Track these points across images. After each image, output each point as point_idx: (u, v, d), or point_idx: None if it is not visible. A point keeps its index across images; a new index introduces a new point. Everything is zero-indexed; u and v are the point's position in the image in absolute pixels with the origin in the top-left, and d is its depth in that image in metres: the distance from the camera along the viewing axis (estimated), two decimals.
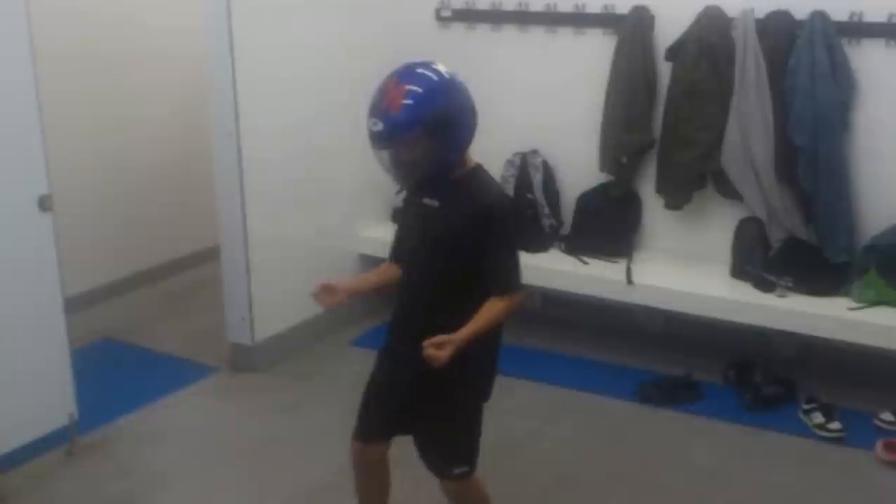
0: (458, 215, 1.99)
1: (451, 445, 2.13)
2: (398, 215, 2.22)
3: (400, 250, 2.19)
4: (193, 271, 4.49)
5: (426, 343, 1.88)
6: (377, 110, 1.93)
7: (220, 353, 3.60)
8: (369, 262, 3.91)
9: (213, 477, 2.87)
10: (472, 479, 2.15)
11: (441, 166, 1.99)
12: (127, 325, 3.96)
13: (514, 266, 2.03)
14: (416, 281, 2.09)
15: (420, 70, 1.96)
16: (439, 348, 1.87)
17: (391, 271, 2.19)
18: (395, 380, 2.13)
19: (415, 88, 1.92)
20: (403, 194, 2.16)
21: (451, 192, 2.01)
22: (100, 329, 3.86)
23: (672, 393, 3.30)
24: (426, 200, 2.04)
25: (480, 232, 1.97)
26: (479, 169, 2.08)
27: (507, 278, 2.01)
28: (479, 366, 2.08)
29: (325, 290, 2.11)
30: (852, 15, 3.18)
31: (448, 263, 2.02)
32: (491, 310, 1.98)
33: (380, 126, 1.91)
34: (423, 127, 1.90)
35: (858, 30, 3.18)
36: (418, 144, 1.92)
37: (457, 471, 2.11)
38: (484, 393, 2.14)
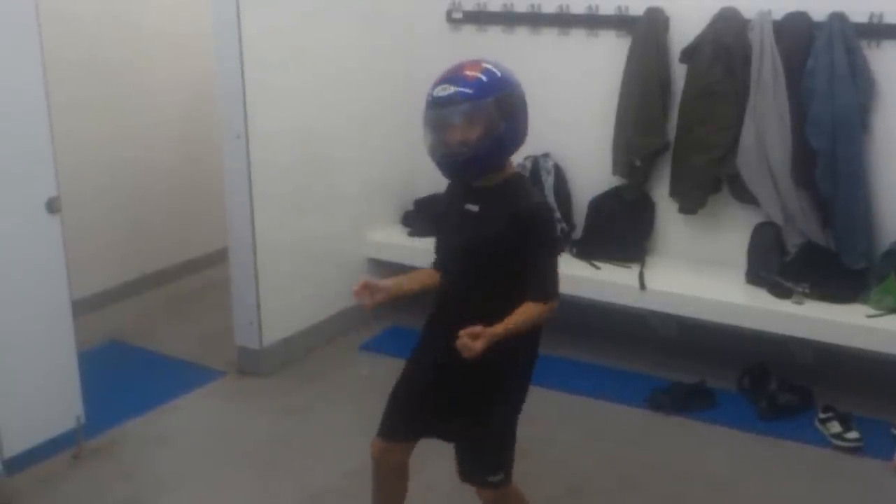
0: (497, 219, 1.98)
1: (485, 452, 2.10)
2: (439, 222, 2.20)
3: (440, 256, 2.16)
4: (201, 274, 4.49)
5: (462, 332, 1.86)
6: (450, 78, 1.94)
7: (228, 357, 3.58)
8: (377, 265, 3.89)
9: (219, 481, 2.85)
10: (508, 487, 2.13)
11: (491, 155, 1.97)
12: (134, 328, 3.95)
13: (552, 272, 2.03)
14: (455, 285, 2.07)
15: (494, 61, 2.01)
16: (475, 339, 1.86)
17: (432, 278, 2.14)
18: (429, 381, 2.10)
19: (494, 67, 1.98)
20: (446, 201, 2.13)
21: (491, 198, 2.01)
22: (107, 332, 3.86)
23: (685, 400, 3.26)
24: (468, 206, 2.03)
25: (519, 236, 1.97)
26: (519, 176, 2.11)
27: (544, 284, 2.01)
28: (514, 373, 2.07)
29: (366, 288, 2.04)
30: (872, 16, 3.12)
31: (486, 267, 2.01)
32: (526, 311, 1.97)
33: (450, 90, 1.92)
34: (496, 99, 1.93)
35: (878, 31, 3.13)
36: (483, 117, 1.92)
37: (490, 479, 2.10)
38: (519, 404, 2.12)
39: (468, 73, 1.95)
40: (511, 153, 2.02)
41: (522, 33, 3.78)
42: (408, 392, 2.15)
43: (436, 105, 1.94)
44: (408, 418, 2.14)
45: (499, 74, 1.97)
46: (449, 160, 1.97)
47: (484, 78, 1.94)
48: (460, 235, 2.06)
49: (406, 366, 2.19)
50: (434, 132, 1.96)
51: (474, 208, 2.02)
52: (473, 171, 1.99)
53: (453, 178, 2.06)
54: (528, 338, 2.05)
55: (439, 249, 2.17)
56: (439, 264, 2.16)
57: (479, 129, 1.92)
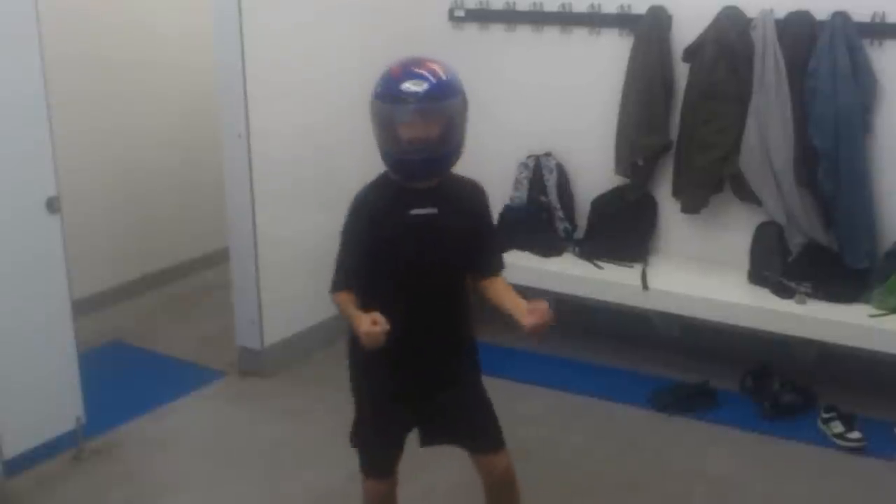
0: (462, 213, 1.99)
1: (489, 419, 2.12)
2: (369, 242, 2.05)
3: (385, 276, 2.00)
4: (202, 274, 4.48)
5: (530, 317, 1.86)
6: (417, 75, 1.90)
7: (229, 358, 3.57)
8: None
9: (220, 482, 2.84)
10: None
11: (454, 153, 1.96)
12: (135, 328, 3.94)
13: (500, 244, 2.15)
14: (429, 290, 2.00)
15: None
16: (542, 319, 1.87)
17: (353, 299, 2.00)
18: (414, 413, 2.09)
19: (448, 65, 1.97)
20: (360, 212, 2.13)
21: (441, 196, 1.98)
22: (108, 332, 3.85)
23: (688, 401, 3.25)
24: (417, 211, 1.95)
25: (480, 220, 2.05)
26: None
27: (501, 256, 2.10)
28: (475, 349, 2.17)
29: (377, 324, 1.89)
30: (875, 15, 3.11)
31: (461, 262, 2.02)
32: (507, 287, 2.03)
33: (426, 86, 1.88)
34: (462, 97, 1.95)
35: (881, 31, 3.12)
36: (452, 115, 1.92)
37: (502, 439, 2.12)
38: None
39: (436, 69, 1.92)
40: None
41: (524, 31, 3.76)
42: (392, 432, 2.12)
43: (412, 102, 1.87)
44: (397, 453, 2.14)
45: (456, 74, 1.97)
46: (416, 157, 1.90)
47: (445, 77, 1.93)
48: (424, 244, 1.96)
49: (375, 403, 2.13)
50: (399, 129, 1.89)
51: (431, 210, 1.94)
52: (439, 168, 1.95)
53: (415, 176, 1.95)
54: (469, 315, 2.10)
55: (379, 270, 1.98)
56: (380, 286, 1.98)
57: (444, 127, 1.90)
